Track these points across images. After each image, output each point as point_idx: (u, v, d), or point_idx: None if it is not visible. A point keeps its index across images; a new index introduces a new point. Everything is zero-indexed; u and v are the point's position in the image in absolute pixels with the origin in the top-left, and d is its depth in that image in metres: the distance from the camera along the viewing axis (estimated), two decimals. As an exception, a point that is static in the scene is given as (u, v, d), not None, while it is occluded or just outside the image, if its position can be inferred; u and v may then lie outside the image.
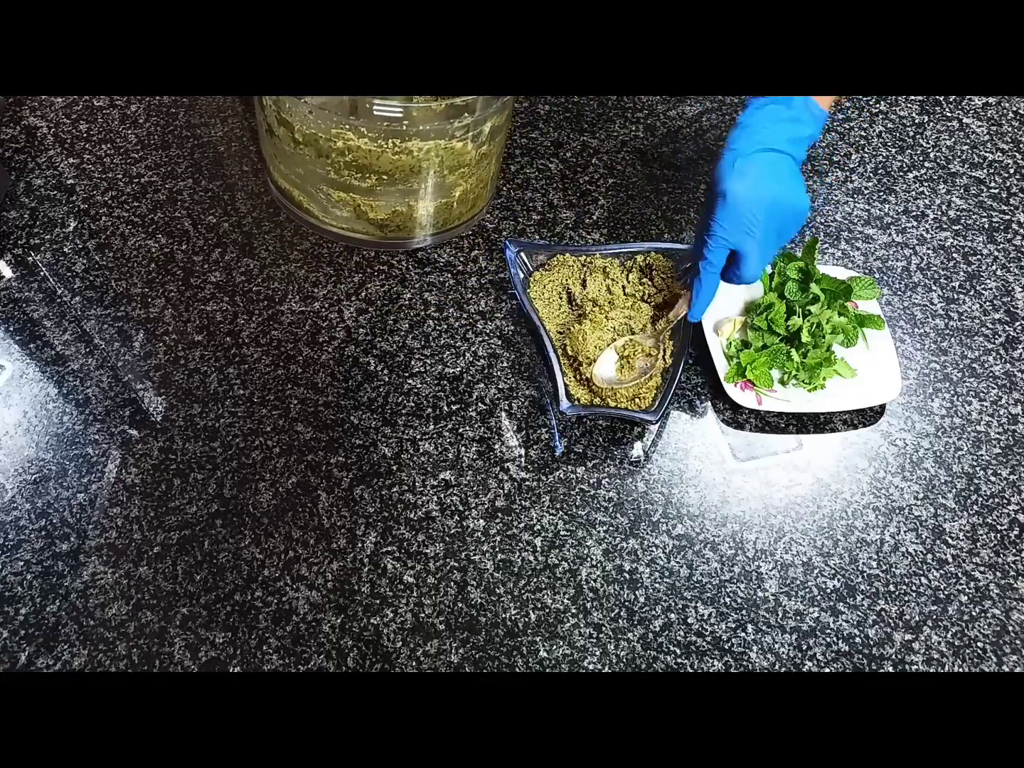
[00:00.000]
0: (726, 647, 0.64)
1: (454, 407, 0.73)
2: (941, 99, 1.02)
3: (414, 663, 0.61)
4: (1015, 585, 0.68)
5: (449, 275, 0.81)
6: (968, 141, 0.98)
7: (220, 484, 0.67)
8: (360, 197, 0.75)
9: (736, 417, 0.75)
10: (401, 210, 0.76)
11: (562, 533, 0.67)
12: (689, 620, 0.64)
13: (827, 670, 0.64)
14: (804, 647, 0.64)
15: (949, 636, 0.66)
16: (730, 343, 0.76)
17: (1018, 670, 0.65)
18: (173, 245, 0.79)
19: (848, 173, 0.93)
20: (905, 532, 0.70)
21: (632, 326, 0.74)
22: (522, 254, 0.78)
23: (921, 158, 0.95)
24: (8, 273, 0.76)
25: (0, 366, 0.71)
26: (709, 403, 0.75)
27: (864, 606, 0.66)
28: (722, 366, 0.75)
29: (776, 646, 0.64)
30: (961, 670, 0.64)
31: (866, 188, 0.92)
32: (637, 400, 0.71)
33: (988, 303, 0.85)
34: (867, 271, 0.85)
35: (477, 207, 0.82)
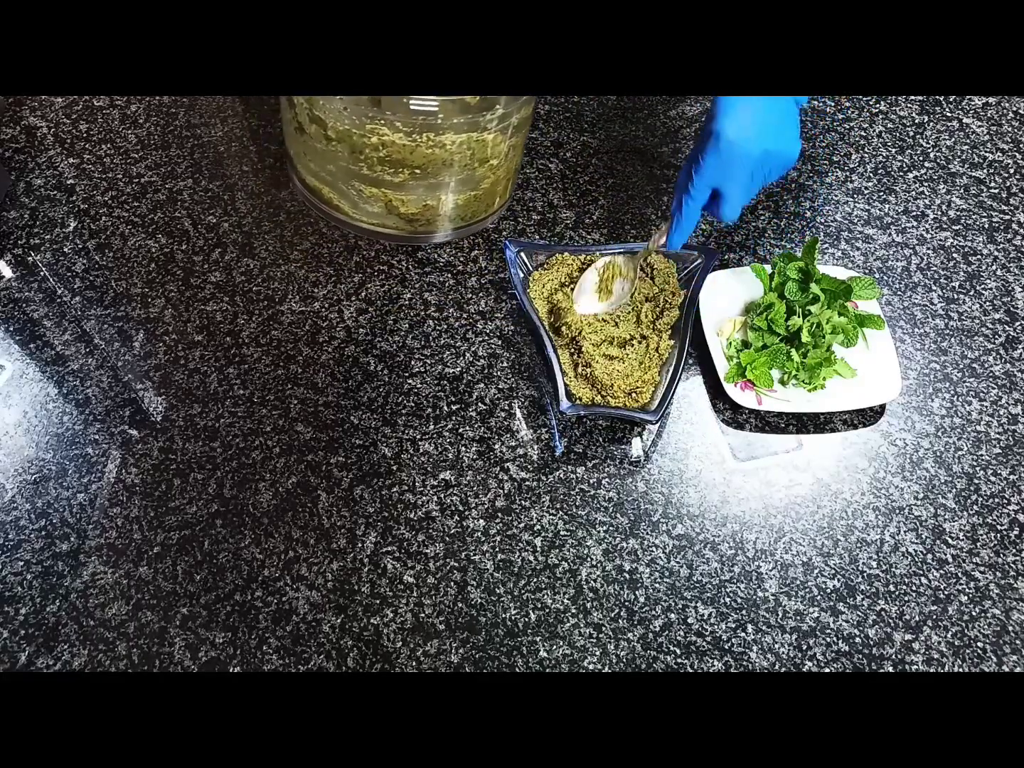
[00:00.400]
0: (726, 647, 0.64)
1: (454, 407, 0.73)
2: (941, 99, 1.02)
3: (414, 663, 0.61)
4: (1015, 585, 0.68)
5: (449, 275, 0.81)
6: (968, 141, 0.98)
7: (220, 484, 0.67)
8: (392, 192, 0.75)
9: (736, 417, 0.75)
10: (431, 204, 0.77)
11: (562, 533, 0.67)
12: (689, 620, 0.64)
13: (827, 670, 0.64)
14: (804, 647, 0.64)
15: (949, 636, 0.66)
16: (730, 343, 0.76)
17: (1018, 670, 0.65)
18: (173, 245, 0.79)
19: (848, 173, 0.93)
20: (905, 532, 0.70)
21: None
22: (522, 254, 0.78)
23: (921, 158, 0.95)
24: (8, 273, 0.76)
25: (0, 366, 0.71)
26: (709, 403, 0.75)
27: (864, 606, 0.66)
28: (722, 366, 0.75)
29: (776, 646, 0.64)
30: (961, 670, 0.64)
31: (866, 188, 0.92)
32: (634, 395, 0.71)
33: (988, 303, 0.85)
34: (867, 271, 0.85)
35: (502, 199, 0.82)
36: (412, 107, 0.67)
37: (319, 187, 0.79)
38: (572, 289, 0.77)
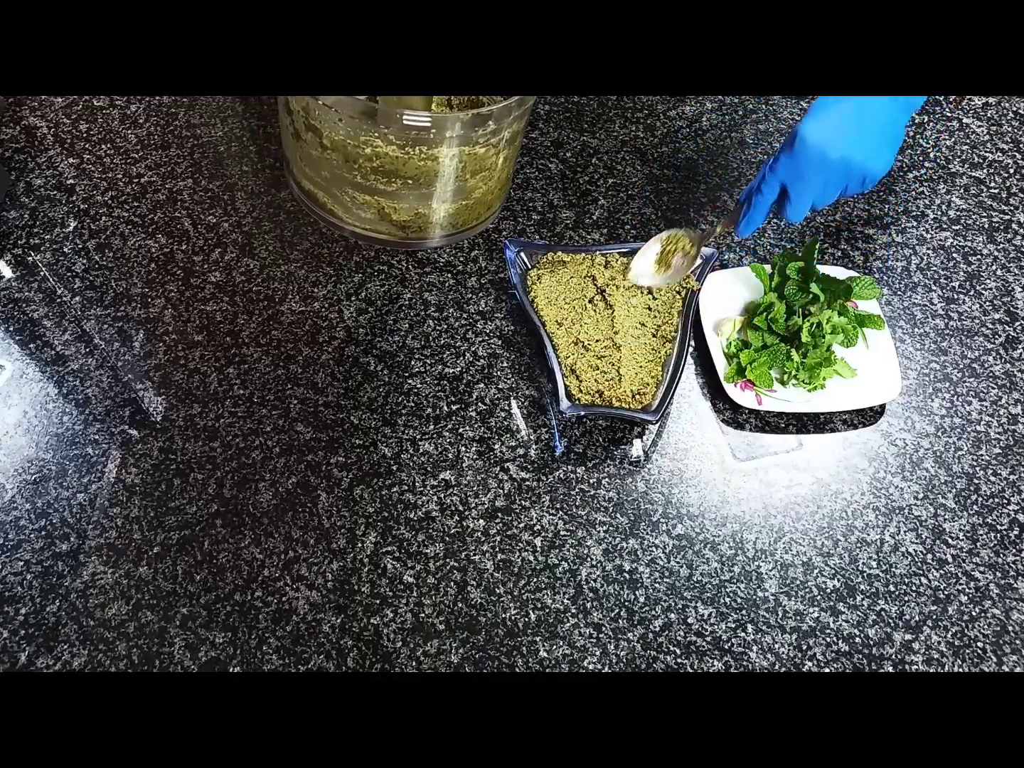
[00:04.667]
0: (726, 647, 0.64)
1: (454, 407, 0.73)
2: (941, 99, 1.02)
3: (414, 663, 0.61)
4: (1015, 585, 0.68)
5: (449, 275, 0.81)
6: (968, 141, 0.98)
7: (220, 484, 0.67)
8: (384, 200, 0.76)
9: (736, 417, 0.75)
10: (423, 212, 0.77)
11: (562, 533, 0.67)
12: (689, 620, 0.64)
13: (827, 670, 0.64)
14: (804, 647, 0.64)
15: (949, 636, 0.66)
16: (730, 343, 0.76)
17: (1018, 670, 0.65)
18: (173, 245, 0.79)
19: (848, 173, 0.93)
20: (905, 532, 0.70)
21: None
22: (522, 254, 0.78)
23: (921, 158, 0.95)
24: (8, 273, 0.76)
25: (0, 366, 0.71)
26: (709, 403, 0.75)
27: (864, 606, 0.66)
28: (722, 366, 0.75)
29: (776, 646, 0.64)
30: (961, 670, 0.64)
31: (866, 188, 0.92)
32: (638, 398, 0.71)
33: (988, 303, 0.85)
34: (867, 271, 0.85)
35: (493, 208, 0.83)
36: (405, 122, 0.68)
37: (314, 191, 0.80)
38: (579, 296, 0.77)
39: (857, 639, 0.65)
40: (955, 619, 0.66)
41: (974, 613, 0.67)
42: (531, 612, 0.64)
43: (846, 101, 0.63)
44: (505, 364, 0.76)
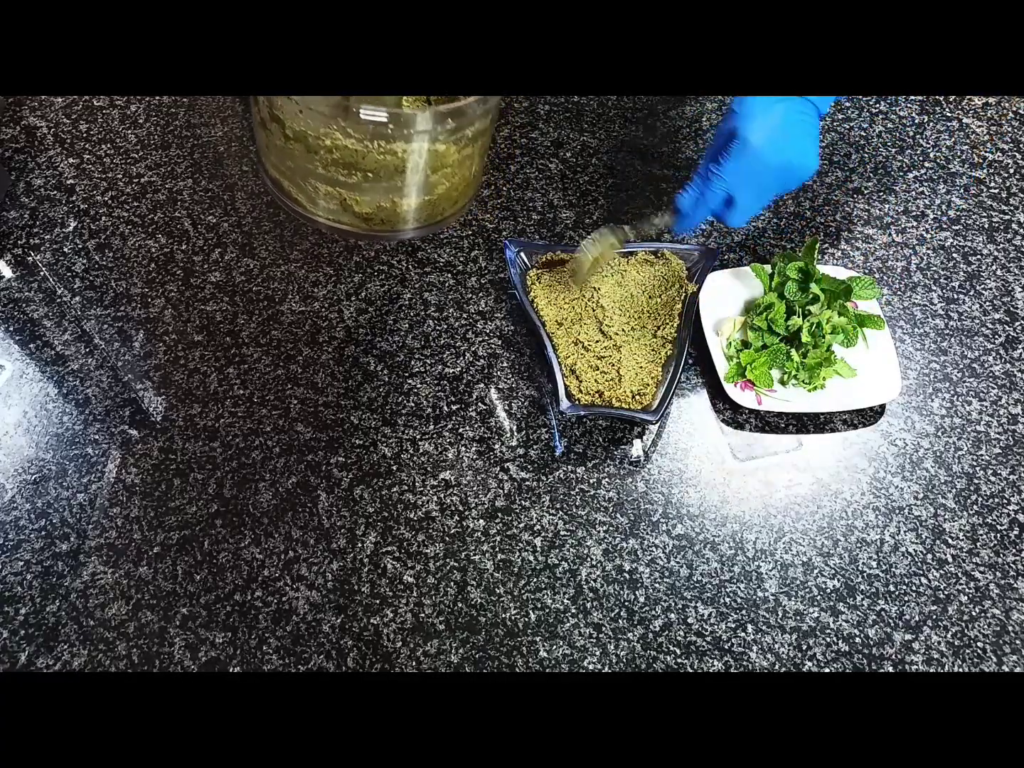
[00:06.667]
0: (726, 647, 0.64)
1: (454, 407, 0.73)
2: (941, 99, 1.02)
3: (414, 663, 0.61)
4: (1015, 585, 0.68)
5: (449, 275, 0.81)
6: (968, 141, 0.98)
7: (220, 484, 0.67)
8: (346, 192, 0.76)
9: (736, 417, 0.75)
10: (385, 205, 0.77)
11: (562, 533, 0.67)
12: (689, 620, 0.64)
13: (827, 670, 0.64)
14: (804, 647, 0.64)
15: (949, 636, 0.66)
16: (730, 343, 0.76)
17: (1018, 670, 0.65)
18: (173, 245, 0.79)
19: (848, 173, 0.93)
20: (905, 532, 0.70)
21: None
22: (522, 254, 0.78)
23: (921, 158, 0.95)
24: (8, 273, 0.76)
25: (0, 366, 0.71)
26: (709, 403, 0.75)
27: (864, 606, 0.66)
28: (722, 366, 0.75)
29: (776, 646, 0.64)
30: (961, 670, 0.64)
31: (866, 188, 0.92)
32: (638, 398, 0.71)
33: (988, 303, 0.85)
34: (867, 271, 0.85)
35: (460, 204, 0.83)
36: (363, 117, 0.68)
37: (280, 180, 0.80)
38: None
39: (857, 639, 0.65)
40: (955, 619, 0.66)
41: (974, 613, 0.67)
42: (531, 612, 0.64)
43: (775, 104, 0.65)
44: (505, 364, 0.76)
